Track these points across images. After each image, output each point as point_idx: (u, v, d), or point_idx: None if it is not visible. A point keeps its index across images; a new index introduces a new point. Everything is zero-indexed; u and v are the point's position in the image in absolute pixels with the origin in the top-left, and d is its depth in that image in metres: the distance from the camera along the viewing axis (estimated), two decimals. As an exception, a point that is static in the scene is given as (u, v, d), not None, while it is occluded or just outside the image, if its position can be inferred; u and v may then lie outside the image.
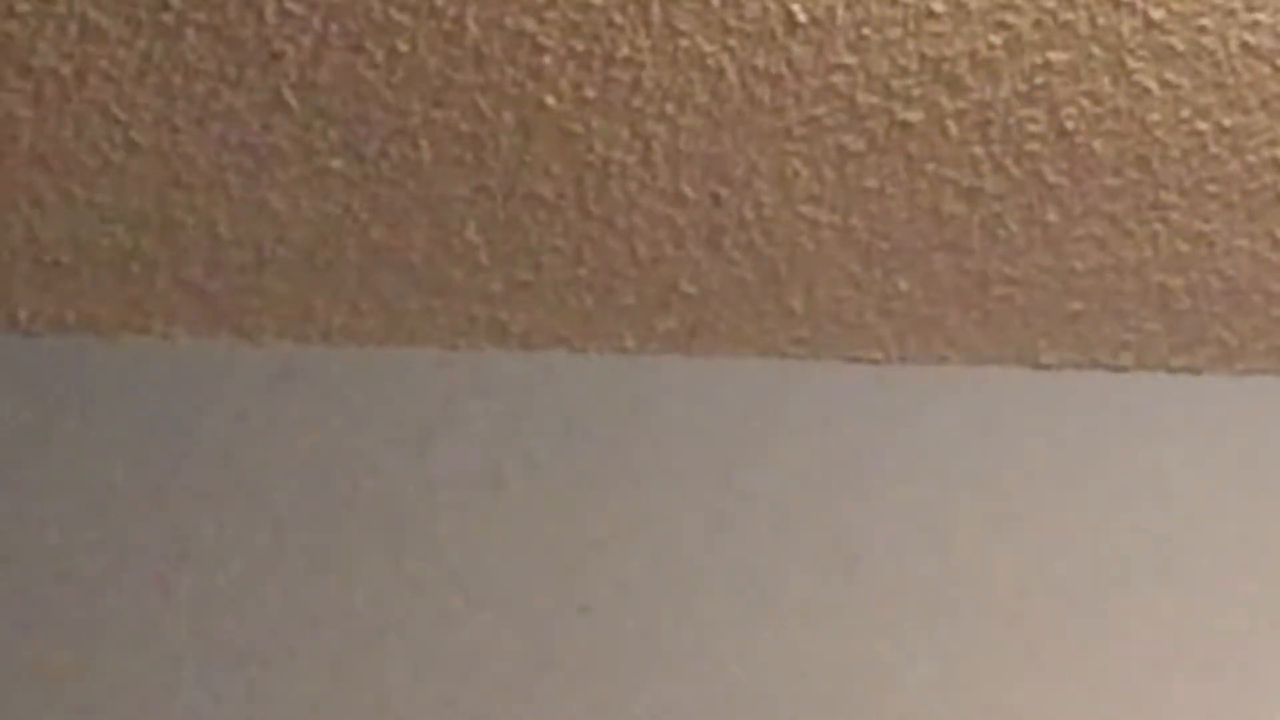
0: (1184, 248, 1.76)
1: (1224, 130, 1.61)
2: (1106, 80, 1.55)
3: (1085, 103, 1.58)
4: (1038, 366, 1.94)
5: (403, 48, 1.52)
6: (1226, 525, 1.91)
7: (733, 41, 1.51)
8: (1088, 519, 1.91)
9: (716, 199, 1.70)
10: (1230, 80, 1.55)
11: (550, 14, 1.48)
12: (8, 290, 1.82)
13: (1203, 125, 1.61)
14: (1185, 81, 1.55)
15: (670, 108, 1.59)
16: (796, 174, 1.67)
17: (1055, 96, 1.57)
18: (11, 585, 1.82)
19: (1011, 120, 1.60)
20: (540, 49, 1.52)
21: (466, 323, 1.87)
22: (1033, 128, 1.61)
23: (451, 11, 1.48)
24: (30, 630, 1.81)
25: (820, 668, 1.85)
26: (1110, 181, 1.68)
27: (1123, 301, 1.84)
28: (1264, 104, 1.58)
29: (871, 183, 1.68)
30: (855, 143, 1.63)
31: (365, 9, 1.48)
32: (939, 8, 1.48)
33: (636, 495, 1.89)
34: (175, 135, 1.62)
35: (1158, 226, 1.74)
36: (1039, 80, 1.55)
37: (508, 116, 1.60)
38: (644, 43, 1.51)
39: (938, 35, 1.50)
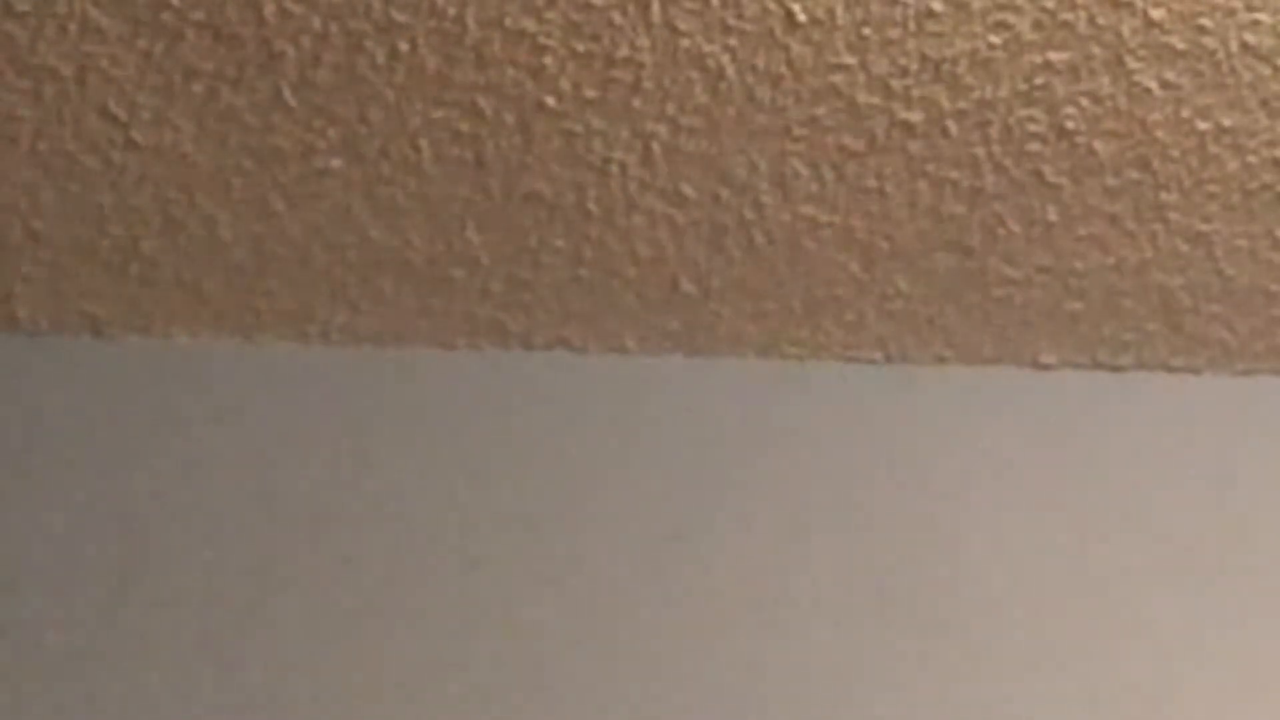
0: (1184, 248, 1.76)
1: (1224, 130, 1.61)
2: (1106, 80, 1.55)
3: (1085, 103, 1.58)
4: (1038, 366, 1.95)
5: (403, 48, 1.52)
6: (1226, 526, 1.91)
7: (733, 41, 1.51)
8: (1087, 519, 1.91)
9: (716, 199, 1.70)
10: (1230, 80, 1.55)
11: (550, 14, 1.48)
12: (8, 290, 1.82)
13: (1203, 125, 1.61)
14: (1185, 81, 1.55)
15: (670, 108, 1.59)
16: (796, 174, 1.67)
17: (1055, 96, 1.57)
18: (12, 586, 1.81)
19: (1011, 120, 1.60)
20: (540, 49, 1.52)
21: (466, 323, 1.87)
22: (1033, 128, 1.61)
23: (451, 11, 1.48)
24: (30, 631, 1.81)
25: (820, 668, 1.85)
26: (1110, 181, 1.68)
27: (1123, 301, 1.84)
28: (1264, 104, 1.58)
29: (871, 183, 1.68)
30: (855, 143, 1.63)
31: (365, 9, 1.48)
32: (939, 8, 1.48)
33: (636, 496, 1.89)
34: (175, 135, 1.62)
35: (1157, 226, 1.74)
36: (1039, 80, 1.55)
37: (508, 116, 1.60)
38: (644, 43, 1.51)
39: (938, 35, 1.50)
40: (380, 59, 1.53)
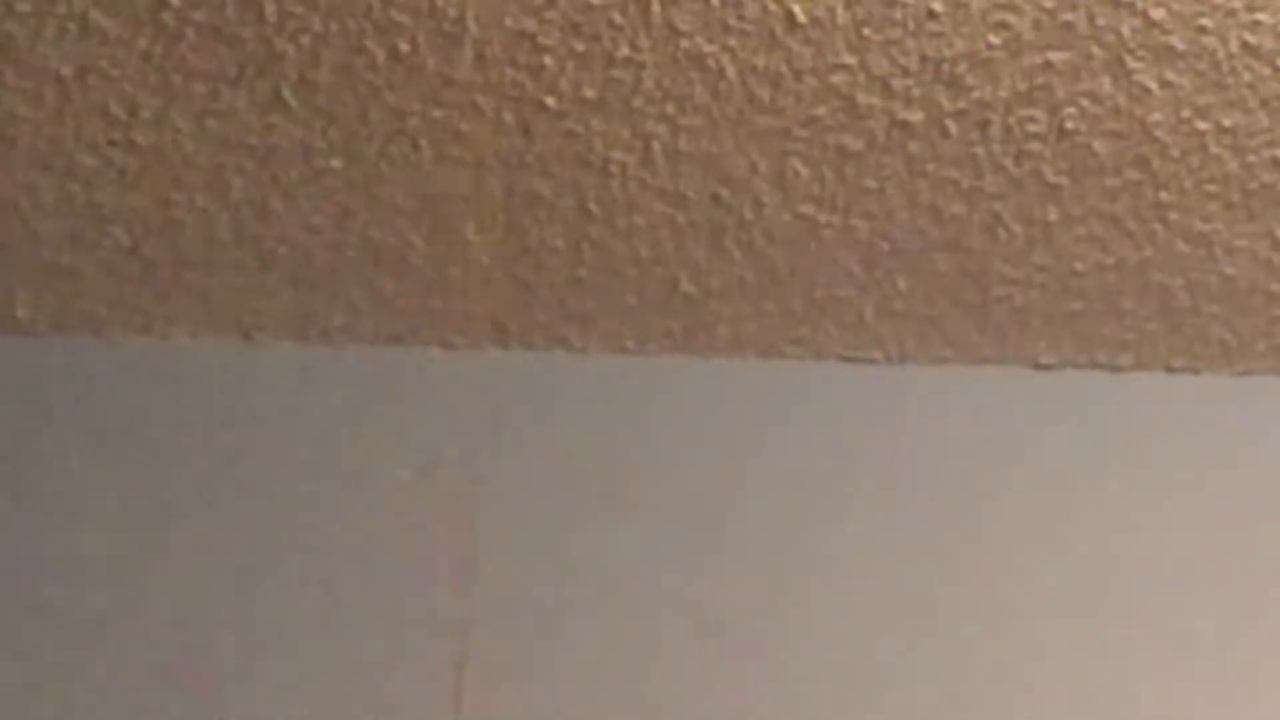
0: (1184, 248, 1.76)
1: (1224, 130, 1.61)
2: (1106, 80, 1.55)
3: (1085, 103, 1.58)
4: (1038, 366, 1.95)
5: (403, 48, 1.52)
6: (1226, 526, 1.91)
7: (733, 41, 1.51)
8: (1087, 519, 1.91)
9: (716, 199, 1.70)
10: (1230, 80, 1.55)
11: (550, 14, 1.48)
12: (8, 290, 1.82)
13: (1203, 125, 1.61)
14: (1185, 81, 1.55)
15: (670, 108, 1.59)
16: (796, 174, 1.67)
17: (1055, 96, 1.57)
18: (12, 584, 1.82)
19: (1011, 120, 1.60)
20: (540, 49, 1.52)
21: (466, 323, 1.87)
22: (1033, 128, 1.61)
23: (451, 11, 1.48)
24: (30, 630, 1.81)
25: (817, 668, 1.85)
26: (1110, 181, 1.68)
27: (1123, 301, 1.84)
28: (1264, 104, 1.58)
29: (871, 183, 1.68)
30: (855, 143, 1.63)
31: (365, 9, 1.48)
32: (939, 8, 1.48)
33: (636, 495, 1.89)
34: (175, 135, 1.62)
35: (1157, 226, 1.74)
36: (1039, 80, 1.55)
37: (508, 116, 1.60)
38: (644, 43, 1.51)
39: (938, 35, 1.50)
40: (380, 59, 1.53)
